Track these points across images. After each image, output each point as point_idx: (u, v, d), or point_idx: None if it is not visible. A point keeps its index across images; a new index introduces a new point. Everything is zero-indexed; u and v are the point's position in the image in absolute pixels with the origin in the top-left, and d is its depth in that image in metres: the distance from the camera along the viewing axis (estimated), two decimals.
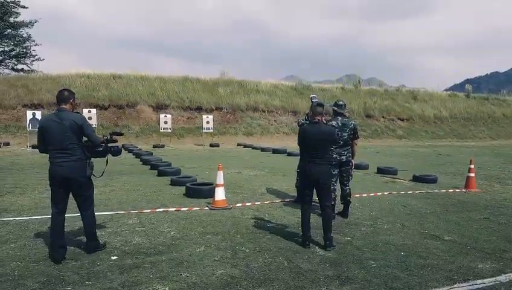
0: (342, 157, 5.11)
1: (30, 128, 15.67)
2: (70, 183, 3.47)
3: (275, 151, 15.05)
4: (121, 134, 4.18)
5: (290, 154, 13.92)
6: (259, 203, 5.93)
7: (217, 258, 3.58)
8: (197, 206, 5.56)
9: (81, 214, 3.65)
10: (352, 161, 5.29)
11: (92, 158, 3.61)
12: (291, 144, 19.20)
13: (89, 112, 16.19)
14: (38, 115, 16.05)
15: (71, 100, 3.55)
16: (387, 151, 16.81)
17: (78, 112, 3.63)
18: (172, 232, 4.34)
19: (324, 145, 4.05)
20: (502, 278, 3.30)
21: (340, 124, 5.07)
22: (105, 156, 3.68)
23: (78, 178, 3.47)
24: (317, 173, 4.00)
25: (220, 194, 5.53)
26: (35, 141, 15.32)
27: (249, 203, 5.85)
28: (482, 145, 22.94)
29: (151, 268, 3.32)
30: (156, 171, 8.74)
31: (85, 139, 3.54)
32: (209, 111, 21.04)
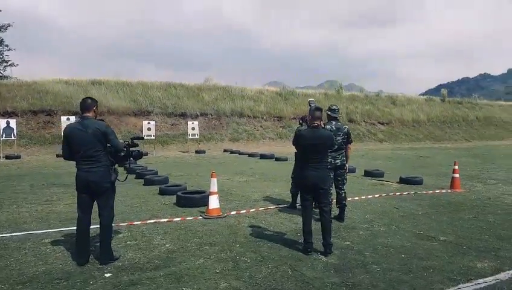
0: (337, 161, 5.12)
1: (3, 138, 15.03)
2: (95, 189, 3.55)
3: (263, 156, 14.99)
4: (142, 138, 4.34)
5: (278, 159, 13.92)
6: (254, 210, 5.84)
7: (218, 271, 3.47)
8: (190, 216, 5.42)
9: (100, 221, 3.66)
10: (346, 164, 5.30)
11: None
12: (278, 149, 19.23)
13: (68, 119, 15.64)
14: (13, 123, 15.43)
15: (94, 108, 3.63)
16: (370, 155, 17.05)
17: (101, 120, 3.68)
18: (167, 245, 4.19)
19: (323, 150, 4.03)
20: (502, 276, 3.35)
21: (334, 128, 5.07)
22: (127, 161, 3.81)
23: (103, 184, 3.56)
24: (316, 178, 3.96)
25: (213, 202, 5.41)
26: (9, 152, 14.91)
27: (244, 211, 5.75)
28: (458, 147, 23.68)
29: (150, 284, 3.16)
30: (143, 180, 8.52)
31: (108, 145, 3.61)
32: (193, 117, 20.82)
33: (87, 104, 3.61)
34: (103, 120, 3.75)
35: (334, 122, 5.14)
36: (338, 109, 5.26)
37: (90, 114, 3.60)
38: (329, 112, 5.20)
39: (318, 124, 4.06)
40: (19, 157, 14.44)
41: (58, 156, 14.85)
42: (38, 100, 18.58)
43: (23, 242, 4.26)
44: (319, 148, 3.99)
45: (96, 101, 3.74)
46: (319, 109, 4.15)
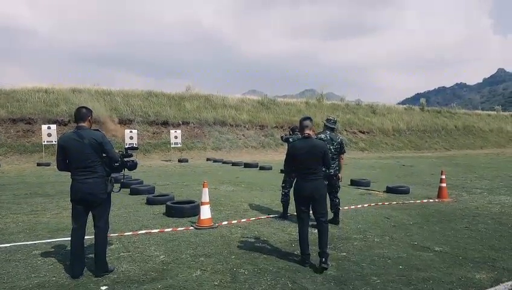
0: (330, 170, 5.13)
1: None
2: (91, 200, 3.45)
3: (247, 165, 14.92)
4: (136, 148, 4.34)
5: (262, 168, 13.88)
6: (245, 220, 5.75)
7: (216, 283, 3.37)
8: (180, 226, 5.29)
9: (95, 232, 3.54)
10: (339, 174, 5.33)
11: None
12: (261, 158, 19.22)
13: (48, 128, 15.18)
14: None
15: (89, 117, 3.53)
16: (353, 164, 17.21)
17: (97, 129, 3.57)
18: (161, 256, 4.05)
19: (317, 160, 3.96)
20: (501, 287, 3.36)
21: (328, 138, 5.10)
22: (121, 171, 3.71)
23: (99, 195, 3.46)
24: (312, 189, 3.88)
25: (205, 212, 5.30)
26: None
27: (235, 221, 5.66)
28: (438, 155, 24.27)
29: None
30: (128, 189, 8.28)
31: (104, 155, 3.51)
32: (175, 126, 20.60)
33: (82, 114, 3.51)
34: (99, 130, 3.62)
35: (328, 132, 5.18)
36: (335, 121, 5.33)
37: (85, 124, 3.51)
38: (325, 122, 5.28)
39: (309, 134, 4.01)
40: None
41: (38, 165, 14.38)
42: (17, 108, 18.02)
43: (12, 254, 4.08)
44: (313, 158, 3.91)
45: (91, 111, 3.64)
46: (308, 118, 4.07)
